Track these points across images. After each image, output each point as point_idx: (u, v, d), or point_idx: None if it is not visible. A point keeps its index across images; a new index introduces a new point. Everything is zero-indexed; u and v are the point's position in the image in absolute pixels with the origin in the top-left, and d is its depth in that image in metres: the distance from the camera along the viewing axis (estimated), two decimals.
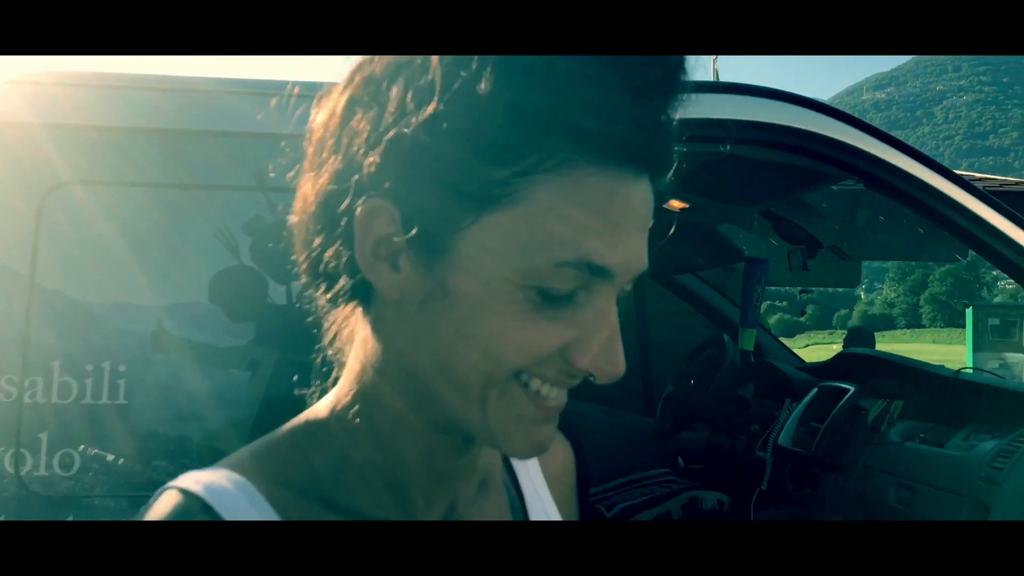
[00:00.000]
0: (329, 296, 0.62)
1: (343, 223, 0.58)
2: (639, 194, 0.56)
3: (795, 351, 4.33)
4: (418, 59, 0.55)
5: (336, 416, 0.65)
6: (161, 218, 1.55)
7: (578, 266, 0.54)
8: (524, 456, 0.63)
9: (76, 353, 1.47)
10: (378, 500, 0.64)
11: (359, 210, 0.56)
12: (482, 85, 0.52)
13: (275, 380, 1.55)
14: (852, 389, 2.81)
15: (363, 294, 0.61)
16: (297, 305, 1.63)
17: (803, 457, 2.81)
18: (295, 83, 1.67)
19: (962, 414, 2.54)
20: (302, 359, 1.61)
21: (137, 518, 0.59)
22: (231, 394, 1.54)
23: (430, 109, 0.53)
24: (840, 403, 2.79)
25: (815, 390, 3.02)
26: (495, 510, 0.73)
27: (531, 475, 0.78)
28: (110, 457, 1.46)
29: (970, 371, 2.78)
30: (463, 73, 0.53)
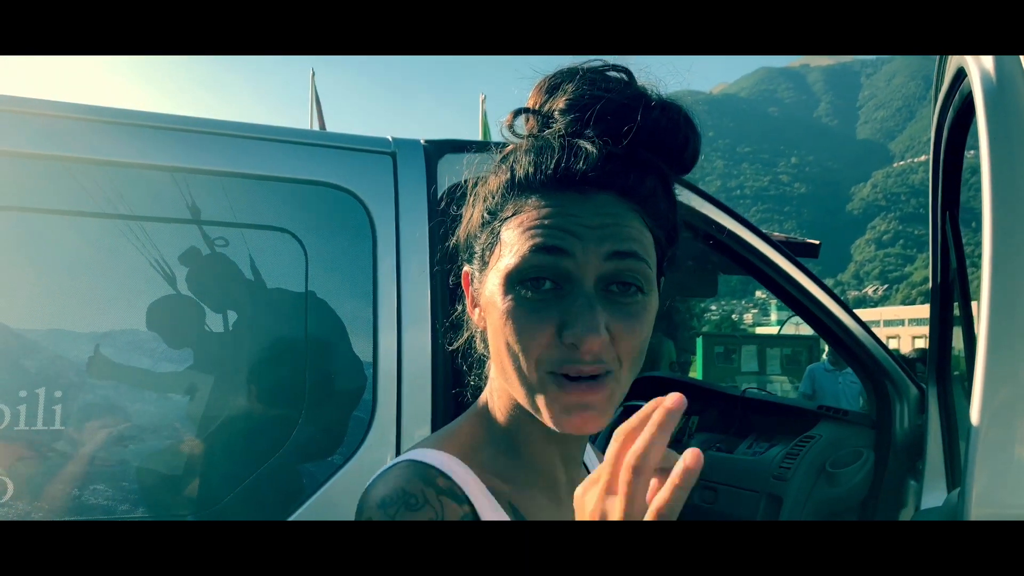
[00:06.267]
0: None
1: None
2: (589, 205, 0.76)
3: None
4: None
5: (491, 407, 0.84)
6: (98, 247, 1.57)
7: (538, 250, 0.75)
8: (572, 433, 0.77)
9: (8, 380, 1.46)
10: (534, 475, 0.84)
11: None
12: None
13: (212, 403, 1.62)
14: None
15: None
16: (232, 332, 1.72)
17: None
18: (240, 124, 1.77)
19: (745, 426, 3.05)
20: (239, 384, 1.69)
21: (369, 487, 0.74)
22: (169, 418, 1.59)
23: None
24: None
25: (620, 409, 3.41)
26: None
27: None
28: (45, 483, 1.47)
29: (754, 390, 3.32)
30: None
